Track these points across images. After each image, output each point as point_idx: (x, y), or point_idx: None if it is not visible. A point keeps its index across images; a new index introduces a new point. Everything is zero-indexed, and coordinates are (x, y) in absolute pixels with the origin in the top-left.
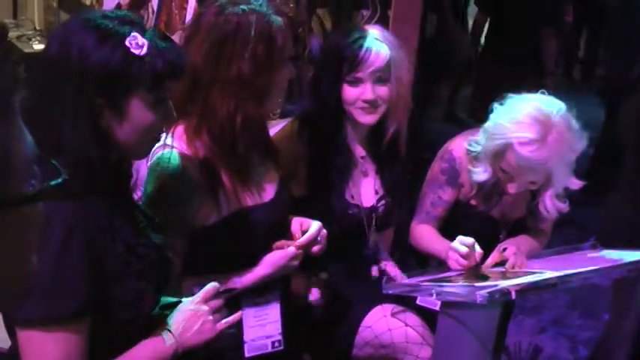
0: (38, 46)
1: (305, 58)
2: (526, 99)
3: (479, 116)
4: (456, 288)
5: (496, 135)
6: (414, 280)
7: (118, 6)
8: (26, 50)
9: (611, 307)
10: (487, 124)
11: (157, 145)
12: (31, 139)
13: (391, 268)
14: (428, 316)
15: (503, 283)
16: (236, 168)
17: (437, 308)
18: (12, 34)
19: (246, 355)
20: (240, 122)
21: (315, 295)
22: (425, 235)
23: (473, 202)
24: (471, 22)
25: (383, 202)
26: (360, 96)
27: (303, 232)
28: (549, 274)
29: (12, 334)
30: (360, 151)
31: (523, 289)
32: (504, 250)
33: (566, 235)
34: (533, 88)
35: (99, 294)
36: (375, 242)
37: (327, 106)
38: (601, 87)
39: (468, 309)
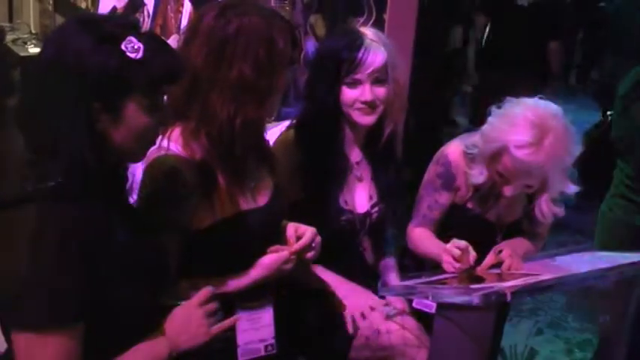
0: (34, 50)
1: (300, 62)
2: (523, 103)
3: (478, 120)
4: (452, 290)
5: (493, 138)
6: (409, 283)
7: (114, 9)
8: (22, 54)
9: (609, 310)
10: (484, 127)
11: (152, 147)
12: (24, 141)
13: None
14: (424, 319)
15: (499, 285)
16: (233, 171)
17: (433, 311)
18: (8, 37)
19: (240, 358)
20: (240, 125)
21: None
22: (421, 238)
23: (469, 204)
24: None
25: (377, 208)
26: (358, 97)
27: (298, 238)
28: (545, 276)
29: (8, 337)
30: (355, 155)
31: (519, 291)
32: (500, 252)
33: (562, 238)
34: (536, 92)
35: (95, 297)
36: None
37: (324, 108)
38: (596, 90)
39: (463, 311)
